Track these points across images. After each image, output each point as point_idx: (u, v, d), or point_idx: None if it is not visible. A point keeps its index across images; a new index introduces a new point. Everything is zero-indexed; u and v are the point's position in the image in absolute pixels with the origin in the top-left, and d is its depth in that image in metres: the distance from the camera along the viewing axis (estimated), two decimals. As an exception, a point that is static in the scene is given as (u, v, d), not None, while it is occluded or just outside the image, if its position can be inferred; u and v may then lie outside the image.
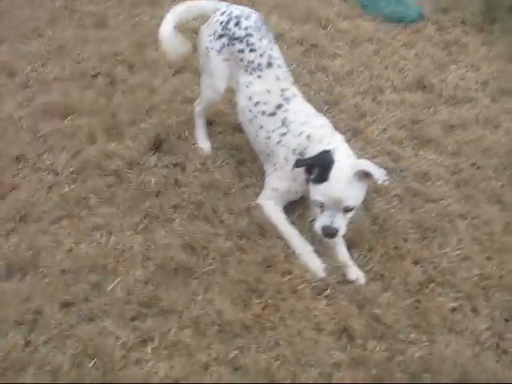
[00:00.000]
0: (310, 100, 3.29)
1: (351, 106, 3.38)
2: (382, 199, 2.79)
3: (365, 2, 4.37)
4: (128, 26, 3.81)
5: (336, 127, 3.13)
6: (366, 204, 2.74)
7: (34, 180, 2.69)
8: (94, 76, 3.35)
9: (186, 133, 3.02)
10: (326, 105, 3.36)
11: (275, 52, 2.71)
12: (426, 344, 2.20)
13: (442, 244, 2.60)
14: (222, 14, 2.75)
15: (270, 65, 2.66)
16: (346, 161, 2.32)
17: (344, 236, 2.44)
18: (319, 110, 3.23)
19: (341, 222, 2.32)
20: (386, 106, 3.41)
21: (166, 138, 2.97)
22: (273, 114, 2.62)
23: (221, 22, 2.73)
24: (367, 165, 2.30)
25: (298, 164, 2.36)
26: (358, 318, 2.25)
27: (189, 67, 3.45)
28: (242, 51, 2.67)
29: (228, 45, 2.70)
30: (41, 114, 3.04)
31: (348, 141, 3.07)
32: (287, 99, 2.63)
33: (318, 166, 2.32)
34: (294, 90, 2.70)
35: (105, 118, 3.05)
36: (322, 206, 2.32)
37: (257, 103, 2.65)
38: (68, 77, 3.31)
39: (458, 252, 2.57)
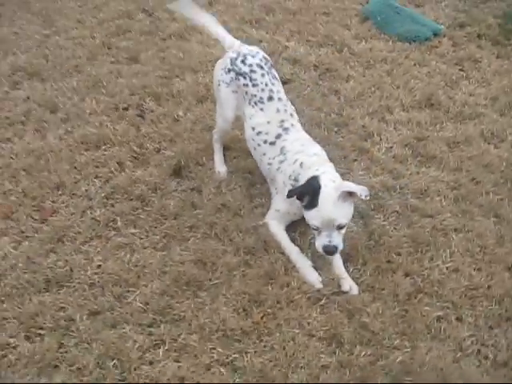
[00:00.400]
0: (320, 123, 3.62)
1: (360, 126, 3.62)
2: (380, 216, 3.02)
3: (380, 23, 4.58)
4: (157, 60, 4.20)
5: (343, 148, 3.43)
6: (365, 221, 2.99)
7: (71, 205, 3.09)
8: (125, 109, 3.74)
9: (204, 159, 3.35)
10: (336, 126, 3.62)
11: (276, 86, 2.99)
12: (409, 350, 2.42)
13: (434, 257, 2.81)
14: (234, 51, 3.09)
15: (270, 98, 2.94)
16: (330, 185, 2.56)
17: (341, 251, 2.70)
18: (329, 131, 3.53)
19: (338, 240, 2.57)
20: (394, 125, 3.63)
21: (186, 164, 3.31)
22: (273, 143, 2.91)
23: (231, 59, 3.05)
24: (349, 185, 2.57)
25: (289, 194, 2.63)
26: (347, 326, 2.50)
27: (210, 96, 3.78)
28: (246, 85, 2.97)
29: (235, 79, 3.02)
30: (78, 145, 3.45)
31: (354, 161, 3.37)
32: (286, 129, 2.91)
33: (307, 194, 2.58)
34: (292, 121, 2.97)
35: (133, 147, 3.43)
36: (317, 229, 2.59)
37: (259, 133, 2.94)
38: (102, 110, 3.72)
39: (448, 264, 2.77)
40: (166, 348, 2.42)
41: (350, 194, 2.54)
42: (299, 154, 2.81)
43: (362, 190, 2.51)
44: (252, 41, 4.37)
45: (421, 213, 3.03)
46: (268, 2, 4.96)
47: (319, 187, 2.55)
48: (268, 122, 2.93)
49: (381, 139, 3.52)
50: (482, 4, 5.00)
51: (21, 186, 3.18)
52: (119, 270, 2.73)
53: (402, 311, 2.56)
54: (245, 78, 2.98)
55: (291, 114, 3.00)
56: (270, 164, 2.92)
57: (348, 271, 2.72)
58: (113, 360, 2.38)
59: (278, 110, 2.95)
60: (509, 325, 2.53)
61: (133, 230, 2.95)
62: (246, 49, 3.09)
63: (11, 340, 2.46)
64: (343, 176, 3.19)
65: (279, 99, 2.97)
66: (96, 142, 3.47)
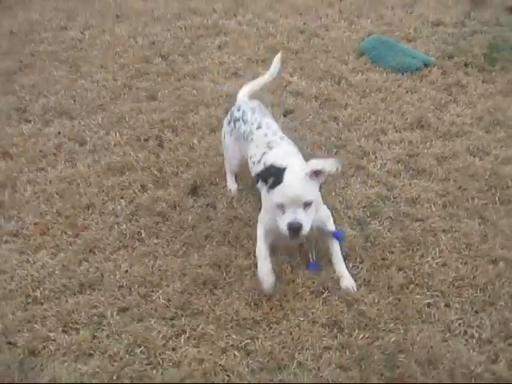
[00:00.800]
0: (321, 145, 4.01)
1: (357, 147, 3.99)
2: (376, 221, 3.36)
3: (375, 58, 5.03)
4: (173, 97, 4.67)
5: (342, 166, 3.80)
6: (362, 226, 3.33)
7: (100, 222, 3.48)
8: (146, 140, 4.19)
9: (217, 179, 3.74)
10: (335, 148, 3.99)
11: (266, 119, 3.27)
12: (402, 332, 2.71)
13: (424, 254, 3.12)
14: (235, 106, 3.49)
15: (259, 127, 3.21)
16: (296, 165, 2.74)
17: (342, 252, 3.05)
18: (329, 152, 3.91)
19: (303, 217, 2.66)
20: (388, 145, 4.00)
21: (201, 184, 3.71)
22: (259, 162, 3.07)
23: (231, 112, 3.47)
24: (316, 163, 2.70)
25: (257, 179, 2.79)
26: (347, 314, 2.81)
27: (221, 127, 4.21)
28: (240, 127, 3.31)
29: (234, 127, 3.38)
30: (105, 172, 3.88)
31: (351, 176, 3.73)
32: (271, 147, 3.07)
33: (273, 174, 2.70)
34: (279, 141, 3.12)
35: (154, 171, 3.84)
36: (283, 207, 2.67)
37: (251, 157, 3.19)
38: (125, 142, 4.17)
39: (437, 260, 3.08)
40: (187, 336, 2.75)
41: (317, 173, 2.68)
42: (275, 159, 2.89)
43: (330, 166, 2.67)
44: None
45: (412, 217, 3.36)
46: (272, 43, 5.46)
47: (283, 168, 2.69)
48: (257, 146, 3.15)
49: (376, 157, 3.89)
50: (469, 37, 5.44)
51: (55, 208, 3.60)
52: (144, 274, 3.09)
53: (395, 300, 2.87)
54: (238, 120, 3.34)
55: (281, 138, 3.17)
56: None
57: (347, 267, 3.04)
58: (140, 347, 2.72)
59: (265, 135, 3.16)
60: (492, 309, 2.81)
61: (155, 241, 3.32)
62: (245, 103, 3.44)
63: (51, 334, 2.81)
64: (342, 190, 3.59)
65: (267, 126, 3.21)
66: (121, 169, 3.90)
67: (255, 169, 3.08)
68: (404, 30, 5.63)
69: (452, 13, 5.95)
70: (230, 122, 3.44)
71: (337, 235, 3.04)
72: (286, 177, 2.67)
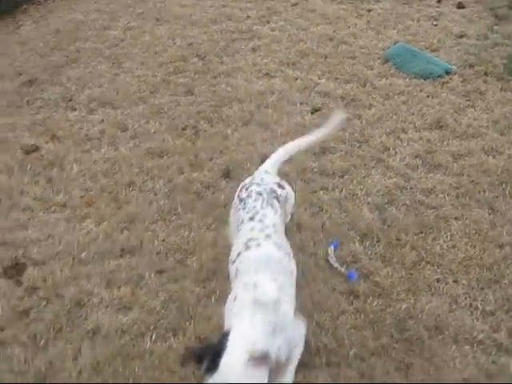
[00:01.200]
0: (345, 140, 4.31)
1: (378, 143, 4.28)
2: (393, 208, 3.64)
3: (399, 64, 5.33)
4: (209, 93, 5.02)
5: (363, 158, 4.10)
6: (380, 211, 3.62)
7: (140, 198, 3.83)
8: (183, 129, 4.54)
9: (248, 164, 4.06)
10: (358, 143, 4.29)
11: (265, 211, 2.74)
12: (412, 301, 2.99)
13: (436, 237, 3.40)
14: (248, 184, 2.98)
15: (251, 219, 2.71)
16: (240, 345, 2.07)
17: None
18: (352, 146, 4.21)
19: None
20: (407, 142, 4.27)
21: (233, 168, 4.04)
22: (233, 262, 2.62)
23: (243, 185, 3.01)
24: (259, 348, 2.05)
25: (182, 361, 2.22)
26: (362, 284, 3.10)
27: (254, 120, 4.56)
28: (239, 209, 2.86)
29: (238, 204, 2.91)
30: (145, 155, 4.24)
31: (372, 167, 4.01)
32: (248, 247, 2.57)
33: (209, 353, 2.09)
34: (262, 241, 2.58)
35: (190, 157, 4.19)
36: None
37: (231, 251, 2.73)
38: (164, 130, 4.53)
39: (448, 243, 3.36)
40: (217, 296, 3.07)
41: (263, 360, 2.03)
42: (241, 282, 2.44)
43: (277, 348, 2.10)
44: (289, 78, 5.21)
45: (426, 205, 3.64)
46: (303, 48, 5.79)
47: (223, 347, 2.06)
48: (238, 240, 2.68)
49: (396, 152, 4.17)
50: (490, 48, 5.70)
51: (99, 184, 3.96)
52: (180, 242, 3.43)
53: (407, 274, 3.15)
54: (241, 202, 2.89)
55: (267, 236, 2.62)
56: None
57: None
58: (175, 303, 3.04)
59: (251, 229, 2.67)
60: (497, 286, 3.07)
61: (190, 216, 3.65)
62: (259, 177, 3.00)
63: (95, 289, 3.16)
64: (363, 179, 3.87)
65: (260, 220, 2.70)
66: (159, 153, 4.26)
67: (229, 268, 2.67)
68: (428, 40, 5.91)
69: (475, 26, 6.22)
70: (238, 195, 2.99)
71: (350, 275, 3.15)
72: (223, 365, 2.02)
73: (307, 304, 2.97)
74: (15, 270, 3.35)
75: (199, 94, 5.04)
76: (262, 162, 3.32)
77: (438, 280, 3.12)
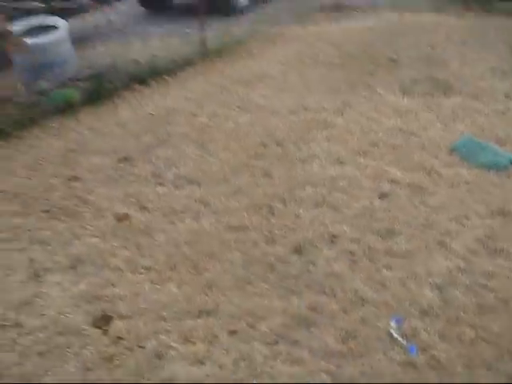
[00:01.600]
0: (409, 223, 4.60)
1: (441, 227, 4.54)
2: (453, 288, 3.84)
3: (464, 155, 5.63)
4: (285, 177, 5.52)
5: (427, 240, 4.35)
6: (440, 290, 3.83)
7: (218, 267, 4.26)
8: (260, 207, 4.99)
9: (318, 244, 4.43)
10: (422, 227, 4.56)
11: None
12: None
13: (495, 318, 3.55)
14: None
15: None
16: None
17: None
18: (416, 230, 4.48)
19: None
20: (469, 227, 4.51)
21: (304, 246, 4.42)
22: None
23: None
24: None
25: None
26: (420, 357, 3.30)
27: (326, 203, 4.96)
28: None
29: None
30: (224, 229, 4.72)
31: (434, 250, 4.25)
32: None
33: None
34: None
35: (264, 232, 4.63)
36: None
37: None
38: (242, 208, 5.00)
39: (508, 323, 3.51)
40: (283, 359, 3.37)
41: None
42: None
43: None
44: (359, 166, 5.62)
45: (487, 288, 3.82)
46: (373, 138, 6.22)
47: None
48: None
49: (458, 236, 4.42)
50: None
51: (182, 251, 4.44)
52: (252, 308, 3.79)
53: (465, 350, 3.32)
54: None
55: None
56: None
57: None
58: (244, 361, 3.37)
59: None
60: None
61: (263, 285, 4.03)
62: None
63: (173, 344, 3.53)
64: (426, 260, 4.11)
65: None
66: (237, 228, 4.71)
67: None
68: (496, 133, 6.19)
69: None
70: None
71: (411, 349, 3.36)
72: None
73: (366, 371, 3.20)
74: (103, 321, 3.80)
75: (276, 177, 5.54)
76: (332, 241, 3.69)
77: (495, 358, 3.27)
